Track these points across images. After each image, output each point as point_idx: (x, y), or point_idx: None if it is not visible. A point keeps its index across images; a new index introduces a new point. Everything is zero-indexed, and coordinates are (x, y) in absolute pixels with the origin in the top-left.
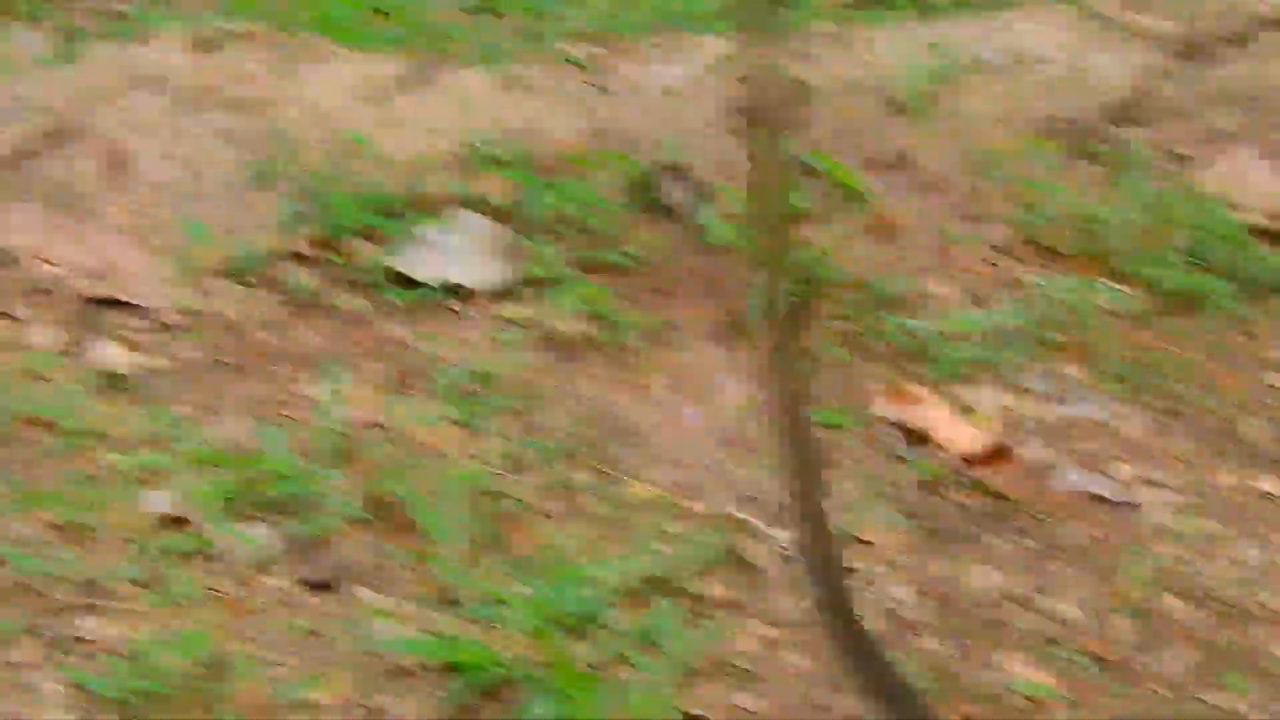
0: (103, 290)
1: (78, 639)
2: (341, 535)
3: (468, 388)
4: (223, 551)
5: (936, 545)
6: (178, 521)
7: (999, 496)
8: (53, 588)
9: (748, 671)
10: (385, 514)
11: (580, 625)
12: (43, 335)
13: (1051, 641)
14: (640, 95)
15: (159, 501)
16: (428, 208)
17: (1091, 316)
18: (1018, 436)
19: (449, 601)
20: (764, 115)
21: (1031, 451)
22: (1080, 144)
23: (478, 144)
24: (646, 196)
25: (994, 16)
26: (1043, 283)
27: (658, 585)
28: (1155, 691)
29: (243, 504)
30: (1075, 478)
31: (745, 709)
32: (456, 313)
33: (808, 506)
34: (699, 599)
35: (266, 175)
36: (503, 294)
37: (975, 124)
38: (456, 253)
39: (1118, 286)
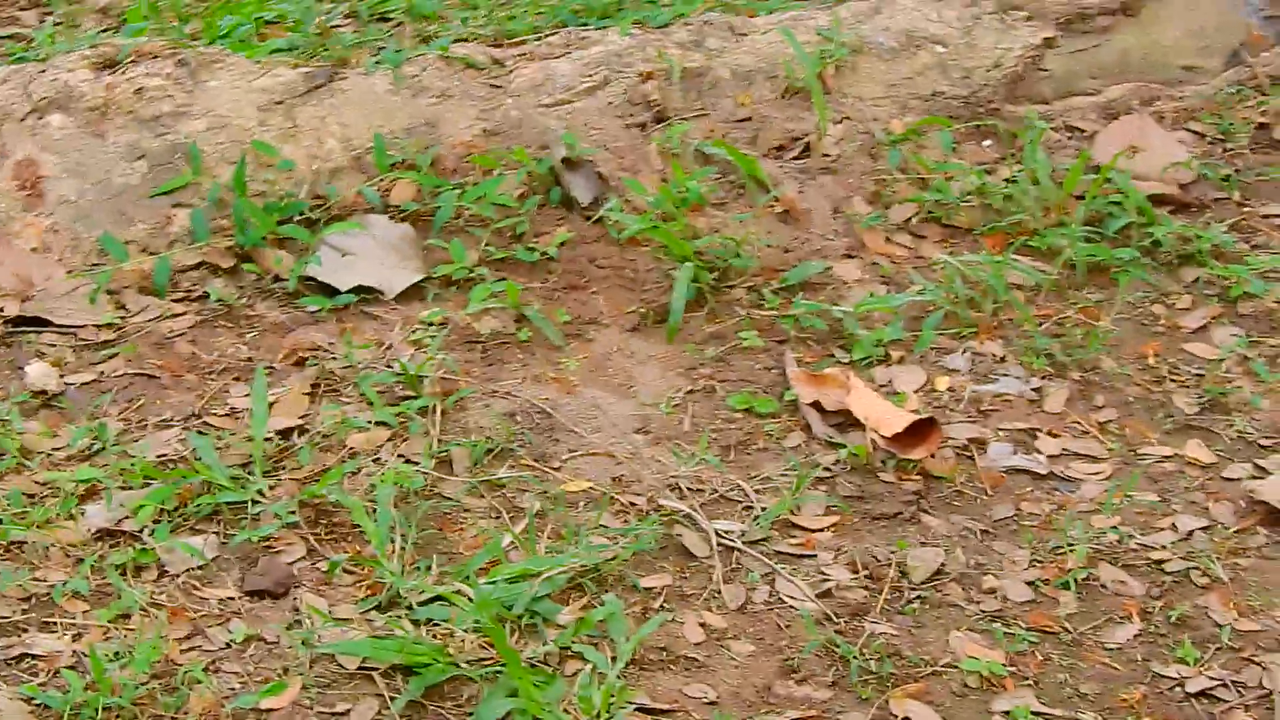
0: (25, 311)
1: (29, 655)
2: (281, 542)
3: (392, 390)
4: (165, 562)
5: (874, 527)
6: (119, 535)
7: (930, 476)
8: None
9: (696, 661)
10: (322, 519)
11: (527, 621)
12: None
13: (997, 618)
14: (537, 92)
15: (99, 515)
16: (337, 214)
17: (1005, 292)
18: (942, 415)
19: (394, 603)
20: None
21: (958, 430)
22: (976, 121)
23: (381, 148)
24: (551, 192)
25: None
26: (952, 260)
27: (600, 578)
28: (1104, 664)
29: (181, 514)
30: (1004, 454)
31: (695, 698)
32: (374, 317)
33: None
34: (642, 590)
35: (177, 189)
36: (418, 296)
37: (870, 106)
38: (369, 258)
39: (1027, 261)
